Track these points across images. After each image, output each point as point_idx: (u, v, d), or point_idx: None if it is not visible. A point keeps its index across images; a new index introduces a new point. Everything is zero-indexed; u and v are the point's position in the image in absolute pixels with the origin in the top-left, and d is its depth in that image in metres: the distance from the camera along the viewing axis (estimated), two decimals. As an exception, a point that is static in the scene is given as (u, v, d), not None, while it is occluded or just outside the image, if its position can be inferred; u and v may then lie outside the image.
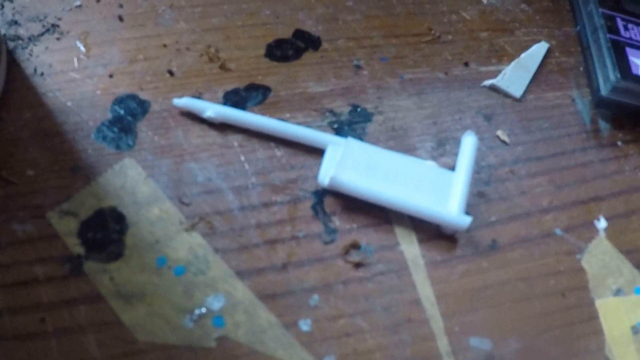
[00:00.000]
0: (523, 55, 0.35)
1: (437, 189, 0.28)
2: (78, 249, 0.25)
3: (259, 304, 0.25)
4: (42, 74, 0.30)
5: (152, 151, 0.28)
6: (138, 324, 0.24)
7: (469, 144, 0.29)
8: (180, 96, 0.30)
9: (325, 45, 0.33)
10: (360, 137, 0.30)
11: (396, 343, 0.25)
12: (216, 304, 0.25)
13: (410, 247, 0.27)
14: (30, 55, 0.30)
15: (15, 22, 0.31)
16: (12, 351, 0.23)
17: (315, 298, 0.26)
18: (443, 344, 0.25)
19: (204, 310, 0.25)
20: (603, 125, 0.33)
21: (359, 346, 0.25)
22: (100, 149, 0.28)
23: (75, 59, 0.31)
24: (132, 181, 0.27)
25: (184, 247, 0.26)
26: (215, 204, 0.27)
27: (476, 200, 0.29)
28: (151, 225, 0.26)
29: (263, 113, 0.30)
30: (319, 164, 0.29)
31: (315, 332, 0.25)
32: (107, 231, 0.26)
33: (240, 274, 0.26)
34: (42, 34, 0.31)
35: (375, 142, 0.30)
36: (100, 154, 0.28)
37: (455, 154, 0.30)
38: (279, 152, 0.29)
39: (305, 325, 0.25)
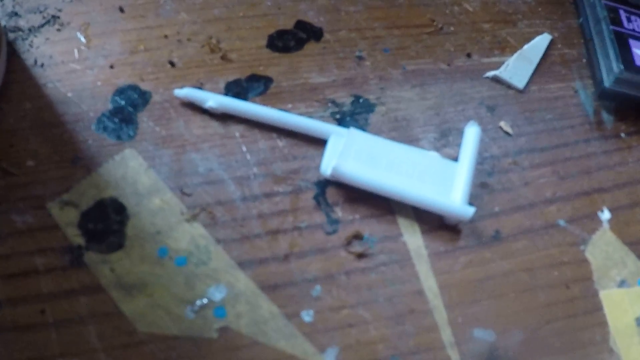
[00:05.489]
0: (526, 46, 0.34)
1: (440, 180, 0.28)
2: (78, 239, 0.25)
3: (260, 295, 0.25)
4: (42, 65, 0.30)
5: (153, 142, 0.28)
6: (139, 314, 0.24)
7: (472, 134, 0.29)
8: (182, 87, 0.29)
9: (327, 36, 0.33)
10: (362, 127, 0.30)
11: (399, 334, 0.25)
12: (217, 294, 0.25)
13: (413, 237, 0.27)
14: (31, 46, 0.30)
15: (16, 14, 0.31)
16: (12, 342, 0.23)
17: (317, 289, 0.25)
18: (446, 334, 0.25)
19: (205, 301, 0.25)
20: (606, 116, 0.33)
21: (362, 337, 0.25)
22: (101, 140, 0.28)
23: (76, 50, 0.30)
24: (133, 172, 0.27)
25: (185, 237, 0.26)
26: (217, 195, 0.27)
27: (479, 191, 0.29)
28: (152, 216, 0.26)
29: (265, 104, 0.30)
30: (321, 155, 0.28)
31: (318, 323, 0.25)
32: (108, 222, 0.26)
33: (242, 265, 0.25)
34: (43, 25, 0.31)
35: (377, 132, 0.30)
36: (101, 145, 0.28)
37: (458, 145, 0.30)
38: (281, 142, 0.29)
39: (307, 316, 0.25)
